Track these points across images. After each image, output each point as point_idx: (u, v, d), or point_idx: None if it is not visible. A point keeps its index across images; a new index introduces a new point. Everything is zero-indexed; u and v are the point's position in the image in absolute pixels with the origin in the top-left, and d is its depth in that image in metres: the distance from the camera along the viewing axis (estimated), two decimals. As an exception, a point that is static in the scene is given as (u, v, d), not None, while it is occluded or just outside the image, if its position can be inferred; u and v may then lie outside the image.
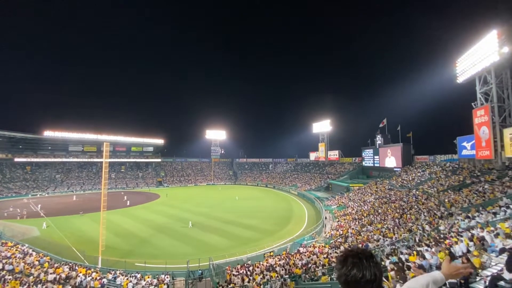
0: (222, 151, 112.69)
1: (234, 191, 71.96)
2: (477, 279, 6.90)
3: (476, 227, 14.05)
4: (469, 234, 12.48)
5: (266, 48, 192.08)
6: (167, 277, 17.26)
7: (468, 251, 10.28)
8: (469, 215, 18.02)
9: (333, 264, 16.14)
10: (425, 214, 23.32)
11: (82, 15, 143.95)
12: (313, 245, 23.71)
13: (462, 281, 6.39)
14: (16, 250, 22.27)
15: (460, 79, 32.45)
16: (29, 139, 78.53)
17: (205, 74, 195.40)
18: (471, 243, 11.09)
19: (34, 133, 78.69)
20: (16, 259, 19.45)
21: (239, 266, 18.79)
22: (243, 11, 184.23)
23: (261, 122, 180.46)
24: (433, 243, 13.31)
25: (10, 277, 15.73)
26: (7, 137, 74.23)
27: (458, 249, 10.77)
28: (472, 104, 31.03)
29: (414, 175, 39.47)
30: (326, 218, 35.77)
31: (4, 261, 18.63)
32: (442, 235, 14.85)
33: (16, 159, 74.55)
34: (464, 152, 33.79)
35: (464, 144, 33.67)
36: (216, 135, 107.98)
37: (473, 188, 24.89)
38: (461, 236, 12.87)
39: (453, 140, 36.22)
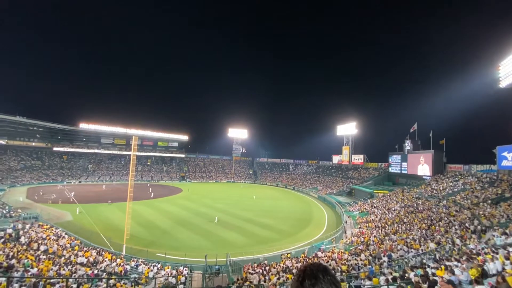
0: (244, 150, 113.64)
1: (254, 190, 72.27)
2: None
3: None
4: (505, 252, 11.46)
5: (293, 47, 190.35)
6: (185, 270, 17.77)
7: (504, 269, 9.44)
8: (507, 231, 16.53)
9: (352, 272, 15.63)
10: (456, 227, 21.78)
11: (119, 16, 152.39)
12: (332, 250, 23.13)
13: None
14: (51, 232, 24.14)
15: (503, 84, 29.92)
16: (66, 130, 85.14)
17: (230, 73, 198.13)
18: (507, 262, 10.18)
19: (71, 125, 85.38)
20: (50, 241, 21.07)
21: (255, 265, 18.83)
22: (273, 6, 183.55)
23: (283, 122, 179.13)
24: (464, 258, 12.38)
25: (44, 256, 17.06)
26: (48, 128, 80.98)
27: (493, 266, 9.93)
28: (516, 111, 28.48)
29: (445, 184, 37.02)
30: (346, 222, 34.73)
31: (39, 241, 20.27)
32: (474, 251, 13.78)
33: (55, 148, 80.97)
34: (505, 163, 31.10)
35: (505, 154, 31.00)
36: (238, 133, 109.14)
37: (513, 202, 22.81)
38: (497, 254, 11.85)
39: (492, 149, 33.50)
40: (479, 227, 20.34)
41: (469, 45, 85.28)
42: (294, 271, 16.52)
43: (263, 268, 17.63)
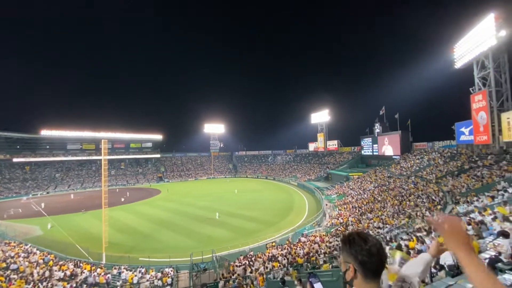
0: (221, 145, 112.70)
1: (235, 183, 72.22)
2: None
3: (474, 211, 14.23)
4: (467, 218, 12.64)
5: (263, 40, 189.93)
6: (171, 271, 17.51)
7: (467, 235, 10.44)
8: (468, 199, 18.22)
9: (335, 252, 16.37)
10: (424, 200, 23.58)
11: (78, 14, 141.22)
12: (314, 234, 24.01)
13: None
14: (19, 249, 22.43)
15: (458, 65, 32.27)
16: (26, 139, 78.37)
17: (202, 68, 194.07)
18: (469, 227, 11.24)
19: (31, 133, 78.51)
20: (20, 258, 19.61)
21: (241, 257, 19.05)
22: (241, 5, 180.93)
23: (260, 115, 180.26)
24: (432, 228, 13.48)
25: (15, 276, 15.89)
26: (4, 138, 73.91)
27: (457, 233, 10.92)
28: (470, 89, 30.96)
29: (412, 162, 39.71)
30: (326, 205, 36.12)
31: (8, 260, 18.79)
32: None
33: (15, 159, 74.35)
34: (463, 137, 33.91)
35: (462, 129, 33.75)
36: (214, 128, 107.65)
37: (471, 173, 25.09)
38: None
39: (452, 126, 36.31)
40: (444, 198, 22.18)
41: (427, 31, 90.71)
42: (279, 258, 16.96)
43: (249, 260, 17.89)
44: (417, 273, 1.64)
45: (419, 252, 7.67)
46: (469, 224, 11.55)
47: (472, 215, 13.27)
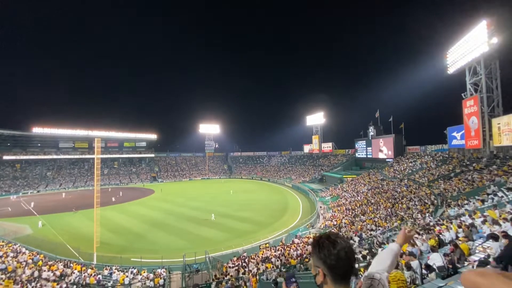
0: (216, 145, 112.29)
1: (229, 184, 72.08)
2: (465, 264, 7.13)
3: (465, 214, 14.47)
4: (458, 221, 12.84)
5: (259, 42, 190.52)
6: (163, 271, 17.34)
7: (457, 237, 10.59)
8: (459, 203, 18.51)
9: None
10: (416, 203, 23.87)
11: (74, 13, 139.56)
12: (308, 236, 24.08)
13: (450, 266, 6.59)
14: (8, 249, 21.95)
15: (451, 70, 32.87)
16: (17, 136, 76.88)
17: (198, 69, 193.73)
18: (460, 230, 11.42)
19: (22, 130, 76.98)
20: (8, 258, 19.18)
21: (235, 258, 18.98)
22: (238, 7, 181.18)
23: (255, 116, 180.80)
24: (424, 230, 13.66)
25: (3, 276, 15.54)
26: (-6, 135, 72.43)
27: (448, 236, 11.08)
28: (462, 94, 31.54)
29: (405, 165, 40.18)
30: (320, 207, 36.28)
31: (-4, 260, 18.36)
32: (432, 223, 15.25)
33: (5, 157, 72.82)
34: (454, 142, 34.49)
35: (454, 134, 34.34)
36: (209, 129, 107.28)
37: (462, 177, 25.52)
38: (451, 223, 13.24)
39: (444, 130, 36.90)
40: (436, 201, 22.49)
41: (421, 37, 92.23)
42: (273, 260, 16.96)
43: (242, 261, 17.84)
44: (385, 268, 1.64)
45: (411, 253, 7.76)
46: (459, 227, 11.74)
47: (462, 218, 13.49)
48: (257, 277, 13.55)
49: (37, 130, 76.22)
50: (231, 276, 15.11)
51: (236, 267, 16.28)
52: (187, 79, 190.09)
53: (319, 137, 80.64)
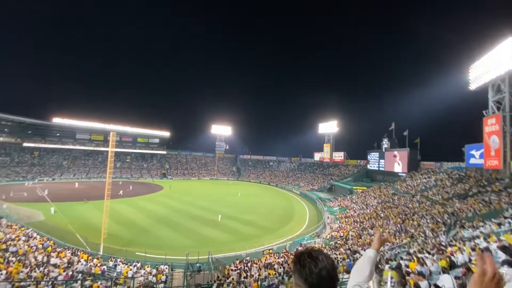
0: (227, 147, 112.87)
1: (237, 187, 72.20)
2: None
3: (480, 237, 13.83)
4: (472, 244, 12.29)
5: (277, 46, 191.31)
6: (166, 268, 17.47)
7: (470, 260, 10.13)
8: (474, 224, 17.74)
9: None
10: (428, 221, 23.06)
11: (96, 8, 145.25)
12: (313, 245, 23.69)
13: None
14: (20, 232, 22.77)
15: (473, 86, 31.80)
16: (38, 125, 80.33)
17: (214, 70, 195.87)
18: (473, 253, 10.92)
19: (43, 119, 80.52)
20: (20, 242, 19.88)
21: (237, 262, 18.90)
22: (254, 9, 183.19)
23: (267, 120, 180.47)
24: (435, 250, 13.14)
25: (14, 259, 16.09)
26: (17, 122, 75.97)
27: (461, 258, 10.62)
28: (483, 112, 30.40)
29: (419, 181, 39.00)
30: (328, 217, 35.67)
31: (8, 242, 19.06)
32: (443, 243, 14.67)
33: (25, 144, 76.09)
34: (472, 160, 33.20)
35: (473, 152, 33.08)
36: (221, 130, 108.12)
37: (478, 197, 24.47)
38: (464, 245, 12.69)
39: (462, 147, 35.62)
40: (449, 221, 21.65)
41: (443, 49, 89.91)
42: (275, 266, 16.76)
43: (245, 264, 17.73)
44: (365, 279, 1.59)
45: (420, 273, 7.48)
46: (473, 249, 11.24)
47: (477, 241, 12.90)
48: (259, 282, 13.43)
49: (57, 120, 79.94)
50: (233, 279, 15.04)
51: (238, 271, 16.20)
52: (202, 80, 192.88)
53: (330, 146, 79.62)
